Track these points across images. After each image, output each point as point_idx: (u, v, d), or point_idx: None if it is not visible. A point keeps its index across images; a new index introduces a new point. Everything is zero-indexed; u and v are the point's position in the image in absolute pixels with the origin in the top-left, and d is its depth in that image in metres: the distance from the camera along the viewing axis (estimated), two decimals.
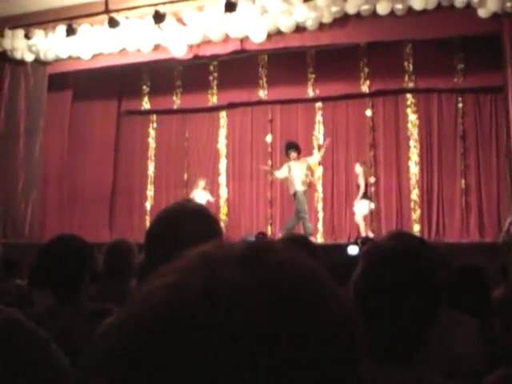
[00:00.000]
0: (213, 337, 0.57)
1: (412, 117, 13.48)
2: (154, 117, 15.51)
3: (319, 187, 13.85)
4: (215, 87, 14.62)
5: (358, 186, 12.14)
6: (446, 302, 2.60)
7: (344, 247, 9.08)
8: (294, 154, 12.27)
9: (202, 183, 13.01)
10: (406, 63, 13.23)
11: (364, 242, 6.67)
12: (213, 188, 14.51)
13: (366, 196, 12.03)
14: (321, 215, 13.78)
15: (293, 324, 0.60)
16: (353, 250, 8.85)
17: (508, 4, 10.60)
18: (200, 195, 12.59)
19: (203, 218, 1.87)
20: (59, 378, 1.90)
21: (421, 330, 1.65)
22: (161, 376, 0.57)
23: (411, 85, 13.28)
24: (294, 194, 12.13)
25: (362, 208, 12.04)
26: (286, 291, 0.61)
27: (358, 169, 12.16)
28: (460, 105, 13.21)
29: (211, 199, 13.04)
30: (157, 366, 0.58)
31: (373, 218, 13.25)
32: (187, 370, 0.57)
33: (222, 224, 13.11)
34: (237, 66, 13.67)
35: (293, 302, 0.61)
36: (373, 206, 12.33)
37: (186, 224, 1.79)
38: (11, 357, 1.52)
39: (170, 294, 0.61)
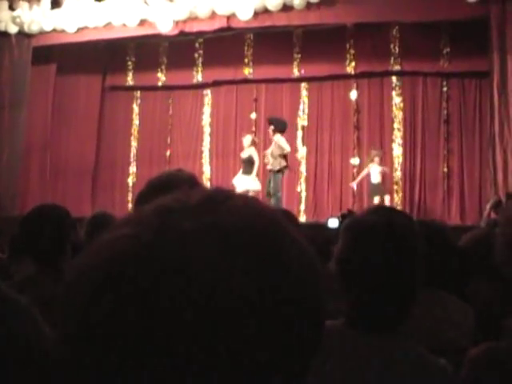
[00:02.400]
0: (161, 286, 0.56)
1: (397, 99, 13.49)
2: (138, 93, 15.43)
3: (303, 168, 13.86)
4: (200, 65, 14.55)
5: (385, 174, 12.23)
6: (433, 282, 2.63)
7: (325, 225, 9.12)
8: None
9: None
10: (392, 46, 13.21)
11: (345, 216, 6.69)
12: (195, 166, 14.48)
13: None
14: (304, 195, 13.80)
15: (242, 271, 0.58)
16: (333, 223, 8.90)
17: None
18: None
19: (195, 186, 1.86)
20: (42, 347, 1.89)
21: (404, 302, 1.66)
22: (108, 326, 0.56)
23: (397, 67, 13.28)
24: (276, 171, 12.02)
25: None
26: (237, 237, 0.60)
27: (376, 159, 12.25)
28: (445, 89, 13.24)
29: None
30: (104, 317, 0.57)
31: (355, 199, 13.31)
32: (133, 321, 0.56)
33: None
34: (223, 44, 13.60)
35: (243, 249, 0.59)
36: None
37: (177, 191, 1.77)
38: None
39: (122, 244, 0.60)
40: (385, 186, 12.40)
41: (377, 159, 12.32)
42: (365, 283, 1.64)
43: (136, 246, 0.59)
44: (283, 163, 11.90)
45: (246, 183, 11.81)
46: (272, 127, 12.15)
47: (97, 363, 0.57)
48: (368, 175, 12.35)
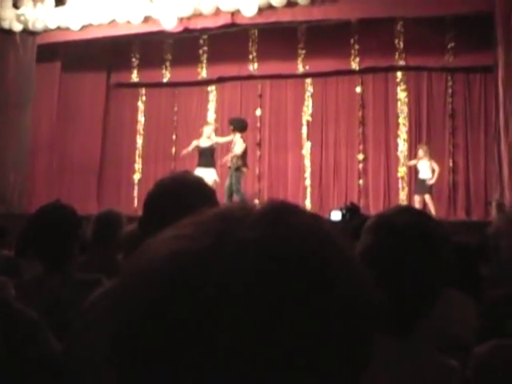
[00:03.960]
0: (219, 293, 0.57)
1: (401, 95, 13.48)
2: (143, 90, 15.44)
3: (307, 162, 13.86)
4: (205, 61, 14.55)
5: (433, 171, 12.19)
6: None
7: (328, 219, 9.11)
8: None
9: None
10: (396, 41, 13.19)
11: (349, 209, 6.70)
12: None
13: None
14: (309, 191, 13.80)
15: (298, 289, 0.59)
16: (336, 215, 8.89)
17: None
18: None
19: (203, 189, 1.88)
20: (47, 359, 1.91)
21: (427, 305, 1.68)
22: (166, 330, 0.57)
23: (401, 62, 13.26)
24: (235, 169, 12.07)
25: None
26: (298, 254, 0.61)
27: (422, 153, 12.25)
28: (450, 83, 13.22)
29: None
30: (159, 320, 0.58)
31: (360, 194, 13.31)
32: (190, 329, 0.57)
33: None
34: (227, 41, 13.59)
35: (303, 267, 0.60)
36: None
37: (187, 195, 1.78)
38: None
39: (182, 243, 0.61)
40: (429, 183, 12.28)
41: (423, 154, 12.27)
42: (391, 283, 1.65)
43: (195, 248, 0.60)
44: (239, 162, 11.94)
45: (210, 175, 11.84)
46: (232, 127, 12.23)
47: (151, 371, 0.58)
48: (416, 171, 12.34)
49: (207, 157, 12.18)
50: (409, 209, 1.91)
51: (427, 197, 12.05)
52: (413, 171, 13.07)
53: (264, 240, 0.60)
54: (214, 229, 0.62)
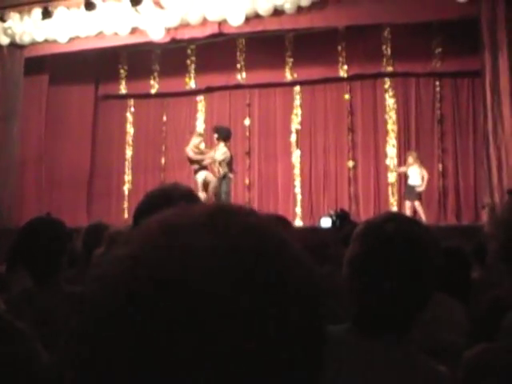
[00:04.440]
0: (175, 308, 0.57)
1: (390, 101, 13.52)
2: (132, 101, 15.44)
3: (297, 171, 13.88)
4: (193, 71, 14.57)
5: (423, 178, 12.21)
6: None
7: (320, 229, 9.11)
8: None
9: None
10: (384, 47, 13.25)
11: (338, 216, 6.71)
12: (190, 173, 14.48)
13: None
14: (299, 199, 13.81)
15: (255, 295, 0.59)
16: (325, 222, 8.89)
17: None
18: None
19: (193, 201, 1.88)
20: (38, 373, 1.90)
21: (416, 310, 1.69)
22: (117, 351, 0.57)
23: (389, 69, 13.32)
24: (222, 177, 12.08)
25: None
26: (250, 260, 0.61)
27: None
28: (438, 89, 13.28)
29: None
30: (113, 346, 0.58)
31: (351, 201, 13.33)
32: (141, 350, 0.56)
33: None
34: (215, 50, 13.62)
35: (257, 273, 0.60)
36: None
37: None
38: None
39: (129, 265, 0.60)
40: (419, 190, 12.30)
41: (413, 160, 12.27)
42: (378, 289, 1.66)
43: (139, 267, 0.59)
44: (225, 169, 11.95)
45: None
46: (216, 135, 12.24)
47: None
48: (406, 177, 12.36)
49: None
50: (397, 215, 1.92)
51: (417, 203, 12.06)
52: (402, 177, 13.10)
53: (214, 247, 0.60)
54: (157, 243, 0.61)
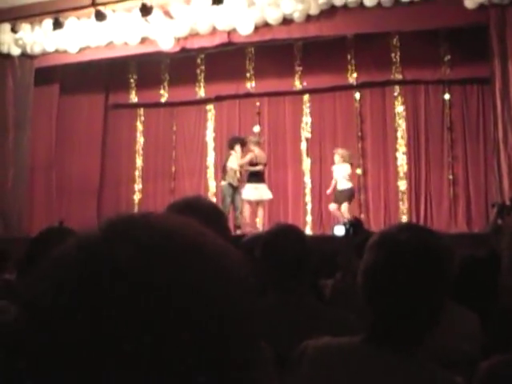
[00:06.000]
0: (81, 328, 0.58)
1: (399, 108, 13.50)
2: (142, 110, 15.47)
3: (307, 179, 13.87)
4: (202, 80, 14.59)
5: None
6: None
7: (331, 235, 9.10)
8: (238, 148, 12.26)
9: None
10: (393, 55, 13.23)
11: (352, 224, 6.71)
12: (200, 181, 14.53)
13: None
14: (309, 207, 13.79)
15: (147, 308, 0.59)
16: (339, 230, 8.89)
17: None
18: None
19: (216, 215, 1.89)
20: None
21: (432, 320, 1.69)
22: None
23: (398, 76, 13.29)
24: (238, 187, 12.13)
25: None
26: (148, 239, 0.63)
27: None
28: (447, 96, 13.24)
29: None
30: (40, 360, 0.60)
31: (361, 209, 13.30)
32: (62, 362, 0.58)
33: None
34: (224, 59, 13.64)
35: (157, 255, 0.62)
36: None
37: (199, 220, 1.77)
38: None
39: (44, 287, 0.63)
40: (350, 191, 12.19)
41: (338, 158, 12.22)
42: (393, 300, 1.66)
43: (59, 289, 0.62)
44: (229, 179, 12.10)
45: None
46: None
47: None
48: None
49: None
50: (411, 225, 1.92)
51: (344, 206, 11.90)
52: (413, 184, 13.09)
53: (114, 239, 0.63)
54: (71, 264, 0.64)
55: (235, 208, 12.07)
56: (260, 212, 12.17)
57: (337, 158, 12.19)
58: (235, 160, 12.09)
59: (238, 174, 12.05)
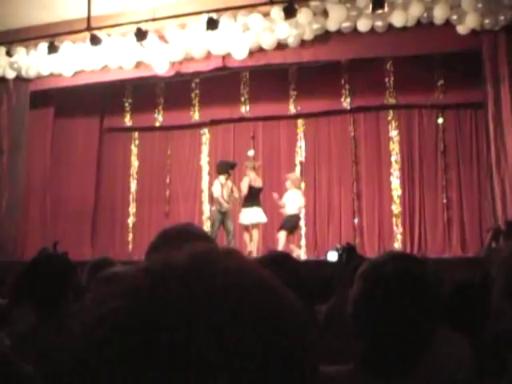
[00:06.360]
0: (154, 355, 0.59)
1: (393, 132, 13.54)
2: (136, 134, 15.48)
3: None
4: (197, 104, 14.62)
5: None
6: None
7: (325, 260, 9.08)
8: (223, 177, 12.31)
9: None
10: (386, 79, 13.30)
11: (345, 249, 6.69)
12: (195, 205, 14.52)
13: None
14: (303, 231, 13.78)
15: (235, 344, 0.60)
16: (332, 256, 8.86)
17: (486, 21, 10.74)
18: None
19: (207, 242, 1.90)
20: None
21: (421, 348, 1.70)
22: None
23: (392, 101, 13.35)
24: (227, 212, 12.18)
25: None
26: (225, 303, 0.62)
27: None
28: (440, 120, 13.29)
29: None
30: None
31: (355, 233, 13.30)
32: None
33: None
34: (219, 83, 13.68)
35: (232, 318, 0.61)
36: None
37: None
38: None
39: (115, 321, 0.62)
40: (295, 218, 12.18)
41: (291, 184, 12.17)
42: (382, 329, 1.67)
43: (128, 322, 0.61)
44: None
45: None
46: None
47: None
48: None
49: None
50: (399, 255, 1.93)
51: (282, 233, 11.87)
52: (407, 208, 13.10)
53: (188, 296, 0.62)
54: (141, 295, 0.63)
55: (227, 232, 12.09)
56: (255, 235, 12.19)
57: (288, 183, 12.19)
58: (218, 187, 12.18)
59: (221, 200, 12.09)
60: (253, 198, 12.05)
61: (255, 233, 12.19)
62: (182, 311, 0.61)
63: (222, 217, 12.07)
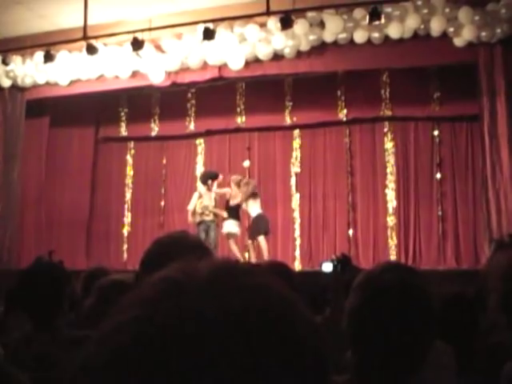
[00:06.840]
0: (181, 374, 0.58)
1: (389, 144, 13.55)
2: (132, 143, 15.46)
3: (296, 214, 13.88)
4: (193, 114, 14.62)
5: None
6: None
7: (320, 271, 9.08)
8: (203, 188, 12.72)
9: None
10: (382, 91, 13.31)
11: (340, 260, 6.69)
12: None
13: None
14: (298, 242, 13.77)
15: (262, 358, 0.60)
16: (327, 267, 8.84)
17: (483, 33, 10.78)
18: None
19: (201, 250, 1.89)
20: None
21: (416, 360, 1.69)
22: None
23: (388, 113, 13.36)
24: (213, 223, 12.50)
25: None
26: (253, 321, 0.62)
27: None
28: (436, 133, 13.32)
29: None
30: None
31: (350, 244, 13.30)
32: None
33: None
34: (215, 94, 13.69)
35: (260, 337, 0.61)
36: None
37: (184, 255, 1.78)
38: None
39: (135, 329, 0.61)
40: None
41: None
42: (377, 340, 1.66)
43: (148, 331, 0.60)
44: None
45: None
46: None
47: None
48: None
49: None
50: (395, 266, 1.93)
51: (261, 238, 12.34)
52: (402, 220, 13.11)
53: (215, 311, 0.61)
54: (163, 305, 0.62)
55: (209, 244, 12.15)
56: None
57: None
58: (194, 199, 12.66)
59: (198, 211, 12.50)
60: (232, 210, 12.46)
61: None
62: (202, 323, 0.60)
63: (207, 228, 12.27)
